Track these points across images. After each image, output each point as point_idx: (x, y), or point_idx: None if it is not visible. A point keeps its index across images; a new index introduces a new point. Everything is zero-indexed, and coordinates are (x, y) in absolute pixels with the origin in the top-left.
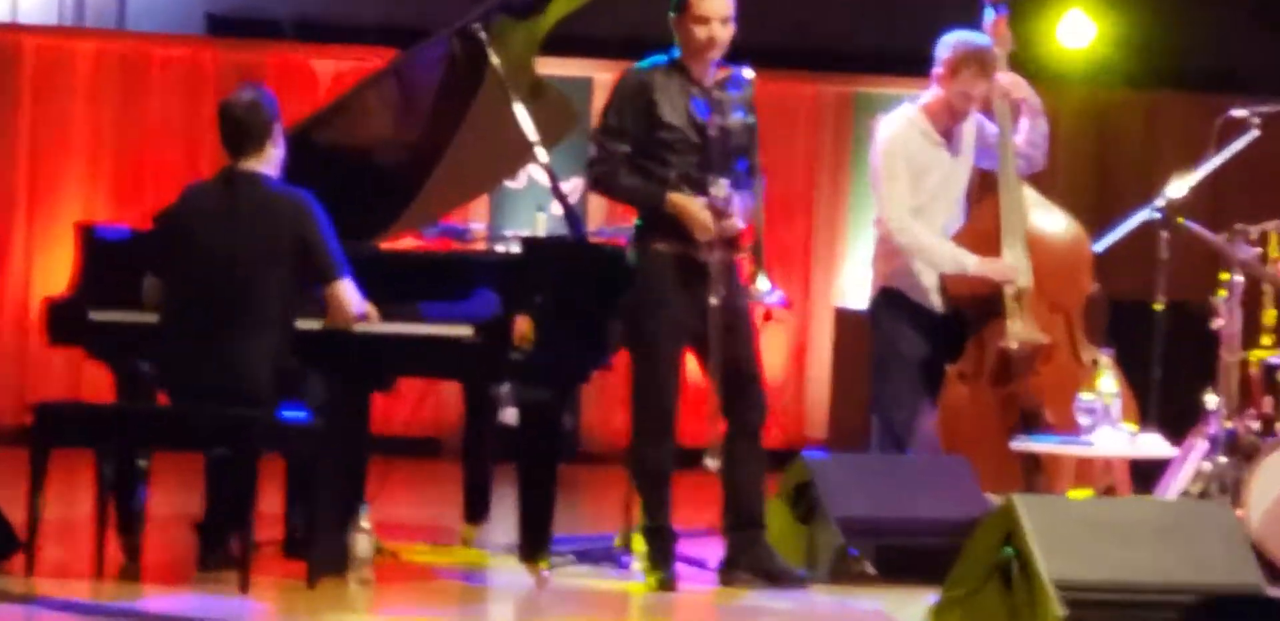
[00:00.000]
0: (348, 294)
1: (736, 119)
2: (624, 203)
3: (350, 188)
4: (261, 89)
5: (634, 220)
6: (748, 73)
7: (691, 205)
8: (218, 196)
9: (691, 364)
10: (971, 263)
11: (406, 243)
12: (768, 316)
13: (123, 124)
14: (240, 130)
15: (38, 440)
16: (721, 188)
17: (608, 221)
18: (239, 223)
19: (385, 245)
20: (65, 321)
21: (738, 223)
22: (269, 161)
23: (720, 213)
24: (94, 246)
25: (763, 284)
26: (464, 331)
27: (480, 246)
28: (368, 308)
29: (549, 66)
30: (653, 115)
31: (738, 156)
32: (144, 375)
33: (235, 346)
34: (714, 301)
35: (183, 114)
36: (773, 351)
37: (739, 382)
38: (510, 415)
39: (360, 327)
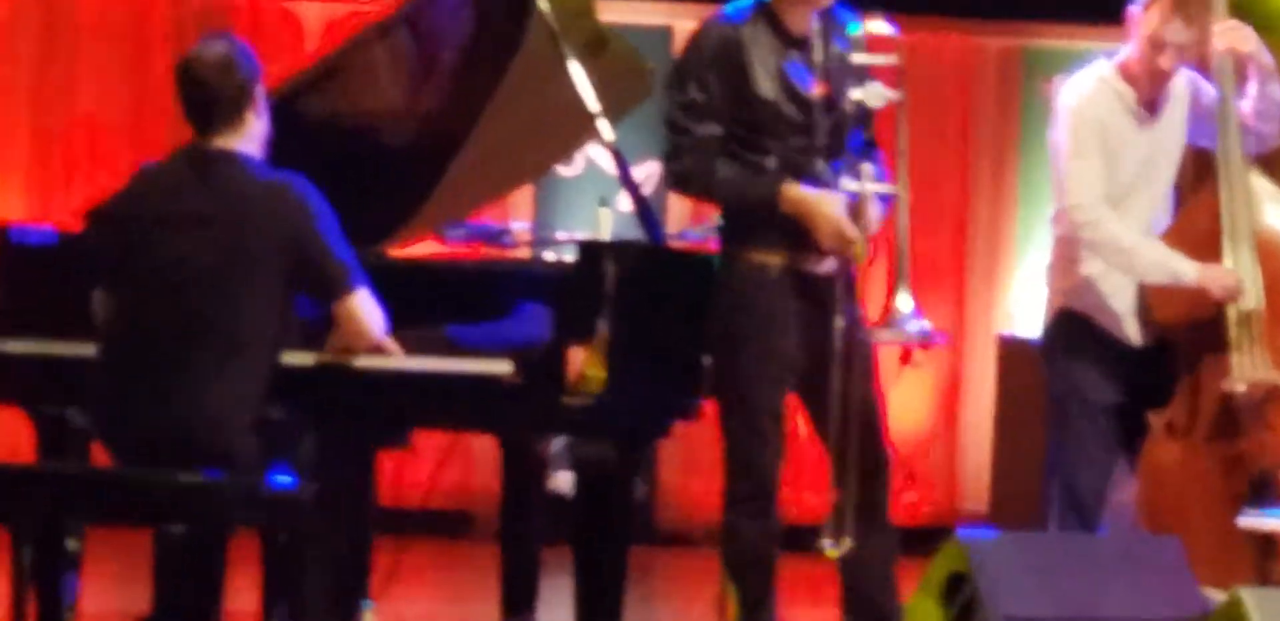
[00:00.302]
0: (367, 310)
1: (873, 90)
2: (723, 204)
3: (348, 175)
4: (234, 40)
5: (716, 219)
6: (878, 26)
7: (816, 202)
8: (179, 184)
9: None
10: (1189, 269)
11: (424, 249)
12: (907, 358)
13: (45, 90)
14: (209, 96)
15: None
16: (867, 174)
17: (694, 220)
18: (209, 219)
19: (395, 252)
20: None
21: (873, 222)
22: (249, 137)
23: (859, 212)
24: (7, 254)
25: (904, 303)
26: (501, 367)
27: (523, 253)
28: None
29: (616, 12)
30: (743, 85)
31: (852, 135)
32: (75, 426)
33: (200, 387)
34: (839, 324)
35: (127, 76)
36: (915, 394)
37: (859, 437)
38: (564, 481)
39: (363, 363)
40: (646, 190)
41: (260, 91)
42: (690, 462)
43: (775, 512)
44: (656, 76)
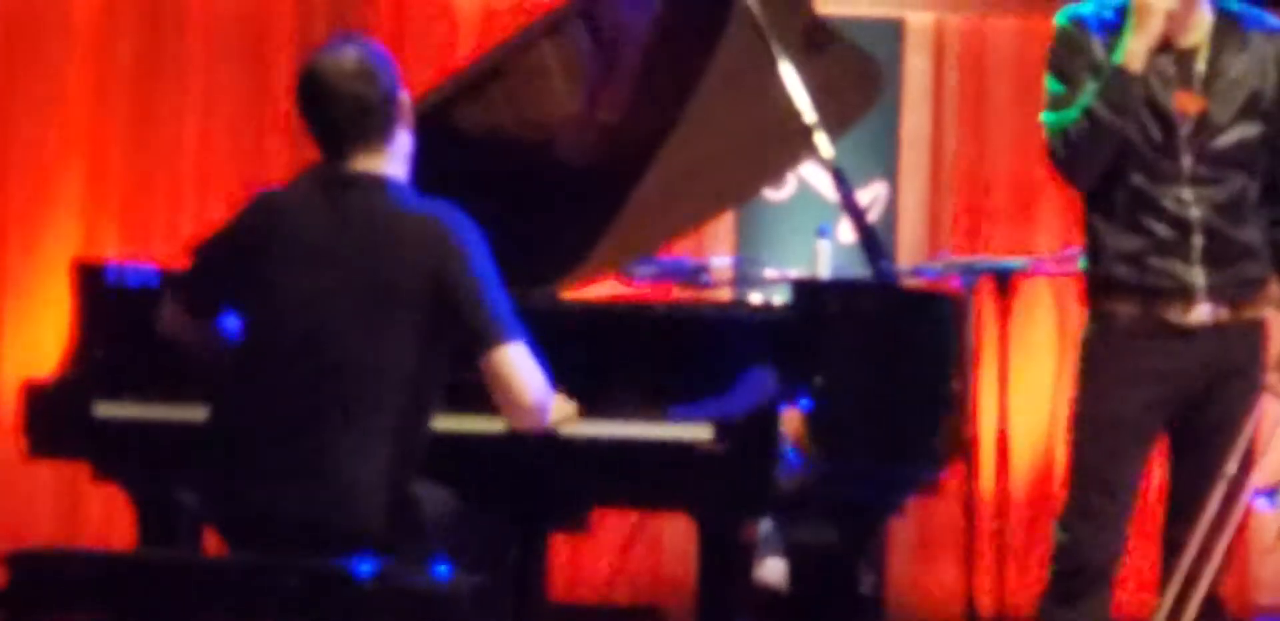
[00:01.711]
0: (522, 369)
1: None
2: (1087, 148)
3: (511, 202)
4: (365, 43)
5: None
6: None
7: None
8: (307, 212)
9: None
10: None
11: (603, 290)
12: None
13: (145, 101)
14: (347, 111)
15: (16, 606)
16: None
17: (930, 253)
18: (342, 257)
19: (569, 295)
20: (56, 419)
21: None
22: (393, 157)
23: None
24: (102, 297)
25: None
26: (699, 433)
27: (724, 294)
28: (555, 395)
29: (837, 2)
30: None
31: (1235, 166)
32: (182, 506)
33: (332, 460)
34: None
35: (243, 81)
36: None
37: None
38: (774, 570)
39: (534, 429)
40: (873, 217)
41: (406, 99)
42: (928, 547)
43: (1105, 606)
44: (886, 81)
